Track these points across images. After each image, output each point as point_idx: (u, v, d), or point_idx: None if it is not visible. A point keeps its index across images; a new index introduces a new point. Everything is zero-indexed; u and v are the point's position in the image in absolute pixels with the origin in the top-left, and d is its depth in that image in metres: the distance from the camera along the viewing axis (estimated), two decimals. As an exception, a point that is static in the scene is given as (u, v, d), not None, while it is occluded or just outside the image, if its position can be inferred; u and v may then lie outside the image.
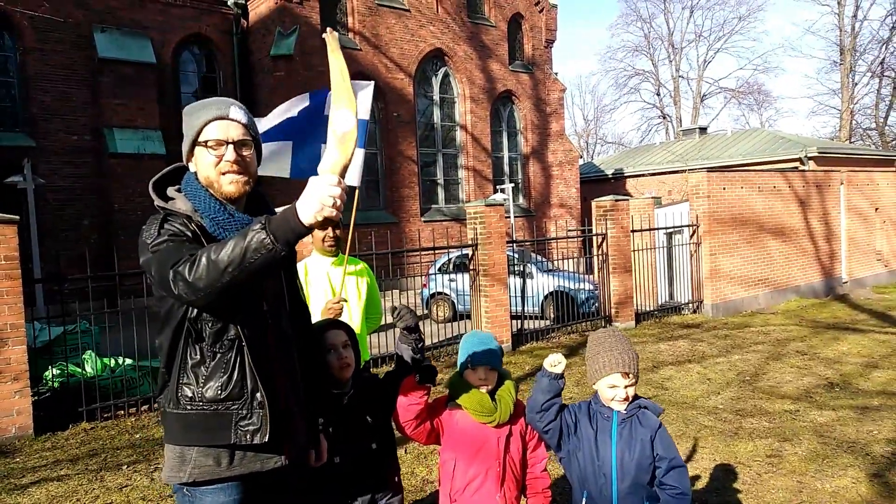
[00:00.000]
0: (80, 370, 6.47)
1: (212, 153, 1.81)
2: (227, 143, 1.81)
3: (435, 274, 11.51)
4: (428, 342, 8.78)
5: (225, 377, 1.75)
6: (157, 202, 1.84)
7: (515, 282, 10.32)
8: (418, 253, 12.39)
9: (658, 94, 43.63)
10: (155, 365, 6.80)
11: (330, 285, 3.26)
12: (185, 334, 1.75)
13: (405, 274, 12.17)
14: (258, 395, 1.76)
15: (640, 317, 10.54)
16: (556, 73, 21.42)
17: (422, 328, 2.31)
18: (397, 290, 12.45)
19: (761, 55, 58.27)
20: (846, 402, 5.91)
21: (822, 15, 65.83)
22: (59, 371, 6.40)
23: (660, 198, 16.91)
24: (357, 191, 3.64)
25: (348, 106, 1.70)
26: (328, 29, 1.88)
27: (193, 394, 1.75)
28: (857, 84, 34.08)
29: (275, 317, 1.87)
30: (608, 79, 71.16)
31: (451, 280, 11.27)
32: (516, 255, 10.51)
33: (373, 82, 3.99)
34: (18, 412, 5.59)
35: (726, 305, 11.32)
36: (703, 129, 29.65)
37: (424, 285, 12.11)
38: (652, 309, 10.97)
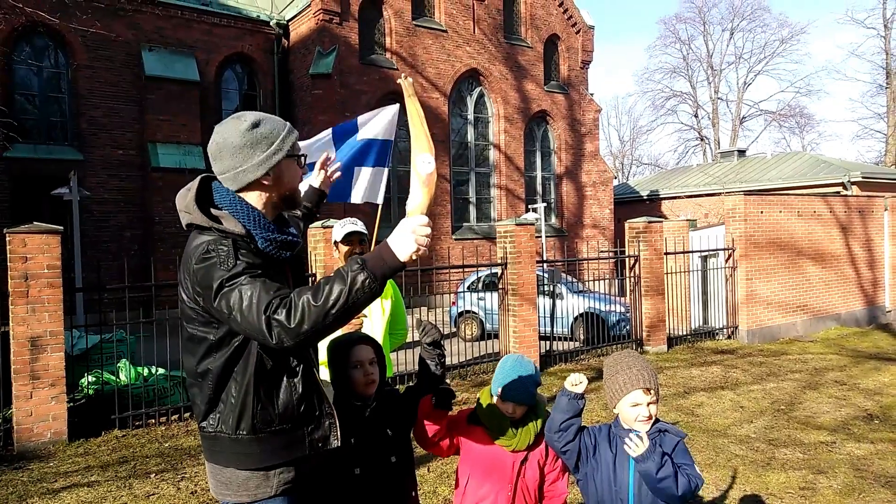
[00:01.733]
0: (114, 378, 6.63)
1: (298, 166, 1.91)
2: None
3: (464, 292, 11.51)
4: (455, 360, 8.76)
5: (298, 395, 1.82)
6: (210, 223, 1.77)
7: (545, 302, 10.25)
8: (447, 271, 12.43)
9: (696, 116, 43.13)
10: (186, 375, 6.93)
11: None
12: (255, 359, 1.76)
13: (434, 291, 12.20)
14: (325, 406, 1.88)
15: (672, 341, 10.35)
16: (591, 94, 21.38)
17: (444, 345, 2.32)
18: (426, 308, 12.49)
19: (803, 78, 57.22)
20: (885, 436, 5.69)
21: (868, 38, 64.41)
22: (94, 378, 6.58)
23: (695, 220, 16.64)
24: (379, 208, 3.73)
25: (428, 150, 1.83)
26: (403, 75, 2.01)
27: (272, 417, 1.79)
28: (903, 108, 33.10)
29: None
30: (645, 100, 70.68)
31: (479, 298, 11.24)
32: (546, 275, 10.45)
33: (397, 105, 4.07)
34: (54, 417, 5.75)
35: (762, 332, 11.04)
36: (741, 152, 29.16)
37: (453, 303, 12.11)
38: (685, 333, 10.76)
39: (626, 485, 2.23)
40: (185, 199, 1.84)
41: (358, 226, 3.32)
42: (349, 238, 3.32)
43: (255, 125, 1.81)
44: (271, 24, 17.13)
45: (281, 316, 1.57)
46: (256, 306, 1.60)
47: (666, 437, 2.23)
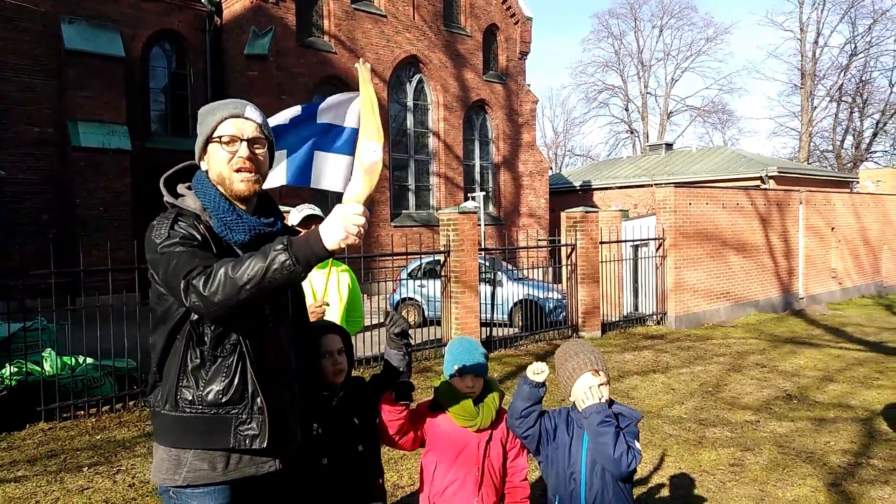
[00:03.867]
0: (38, 369, 6.28)
1: (225, 149, 1.82)
2: (241, 140, 1.82)
3: (405, 279, 11.50)
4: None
5: (226, 381, 1.73)
6: (167, 198, 1.83)
7: (485, 289, 10.39)
8: (391, 258, 12.39)
9: (626, 110, 44.54)
10: (118, 365, 6.64)
11: (312, 289, 3.25)
12: (186, 336, 1.74)
13: (375, 278, 12.13)
14: (258, 400, 1.75)
15: (605, 327, 10.71)
16: (529, 85, 21.68)
17: (411, 335, 2.33)
18: (366, 295, 12.42)
19: (726, 76, 60.16)
20: (804, 414, 6.11)
21: (785, 40, 68.14)
22: (17, 369, 6.20)
23: (627, 211, 17.21)
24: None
25: (376, 139, 1.75)
26: (360, 60, 1.94)
27: (193, 397, 1.73)
28: (816, 108, 35.33)
29: (276, 322, 1.87)
30: (578, 92, 72.37)
31: (420, 286, 11.28)
32: (487, 263, 10.58)
33: (357, 93, 3.99)
34: (-27, 411, 5.40)
35: (689, 317, 11.58)
36: (669, 146, 30.36)
37: (394, 290, 12.09)
38: (617, 319, 11.16)
39: (579, 465, 2.32)
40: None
41: (316, 210, 3.27)
42: (307, 222, 3.26)
43: (204, 111, 1.88)
44: (203, 1, 16.44)
45: (199, 282, 1.58)
46: (178, 271, 1.62)
47: (621, 420, 2.32)
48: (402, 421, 2.24)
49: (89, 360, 6.59)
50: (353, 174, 1.73)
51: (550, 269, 12.12)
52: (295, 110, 3.67)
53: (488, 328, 9.65)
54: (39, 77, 14.24)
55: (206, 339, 1.74)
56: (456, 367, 2.36)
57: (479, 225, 16.87)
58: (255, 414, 1.75)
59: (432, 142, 19.08)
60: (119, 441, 5.42)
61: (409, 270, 11.81)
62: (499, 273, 11.14)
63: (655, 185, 12.33)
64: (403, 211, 18.40)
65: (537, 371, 2.33)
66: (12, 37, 13.86)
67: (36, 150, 14.19)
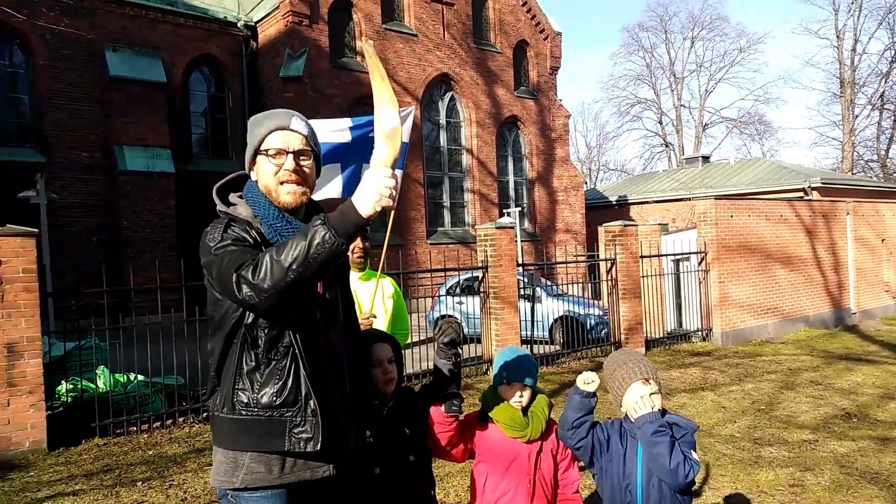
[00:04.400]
0: (92, 386, 6.42)
1: (272, 162, 1.84)
2: (288, 152, 1.84)
3: (443, 296, 11.49)
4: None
5: (280, 384, 1.75)
6: (220, 207, 1.87)
7: (524, 306, 10.31)
8: (429, 275, 12.41)
9: (660, 123, 44.10)
10: (168, 382, 6.75)
11: (357, 301, 3.26)
12: (241, 340, 1.76)
13: (412, 296, 12.16)
14: (311, 402, 1.76)
15: (649, 343, 10.51)
16: (560, 100, 21.66)
17: (461, 345, 2.31)
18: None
19: (762, 86, 59.28)
20: (865, 433, 5.87)
21: (822, 48, 66.91)
22: (72, 386, 6.36)
23: (666, 224, 16.97)
24: (393, 211, 3.69)
25: (391, 105, 1.76)
26: (364, 38, 1.96)
27: (249, 399, 1.75)
28: (857, 116, 34.48)
29: (327, 326, 1.88)
30: (611, 106, 72.01)
31: (459, 303, 11.25)
32: (525, 279, 10.51)
33: (413, 107, 4.06)
34: (32, 426, 5.54)
35: (736, 334, 11.30)
36: (705, 158, 29.91)
37: (432, 307, 12.08)
38: (661, 336, 10.95)
39: (634, 476, 2.28)
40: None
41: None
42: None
43: (253, 122, 1.91)
44: (238, 25, 16.89)
45: (248, 272, 1.60)
46: (230, 266, 1.65)
47: (675, 430, 2.27)
48: (451, 433, 2.22)
49: (140, 378, 6.73)
50: (375, 142, 1.74)
51: (590, 285, 11.99)
52: (345, 122, 3.72)
53: (528, 345, 9.56)
54: (86, 104, 14.74)
55: (260, 342, 1.75)
56: (505, 376, 2.34)
57: (516, 241, 16.85)
58: (309, 417, 1.76)
59: (466, 159, 19.15)
60: (170, 456, 5.49)
61: (448, 287, 11.80)
62: (538, 289, 11.05)
63: (694, 198, 12.13)
64: (439, 228, 18.45)
65: (587, 381, 2.30)
66: (60, 65, 14.40)
67: (85, 174, 14.65)
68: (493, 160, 19.47)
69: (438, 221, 18.62)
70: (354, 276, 3.38)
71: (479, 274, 8.82)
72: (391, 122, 1.73)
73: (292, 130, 1.87)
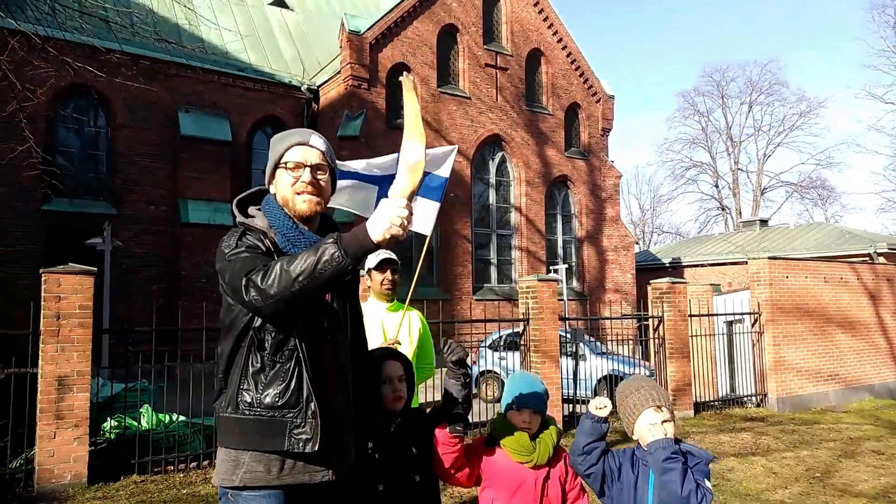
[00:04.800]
0: (135, 423, 6.61)
1: (290, 174, 1.97)
2: (305, 166, 1.96)
3: (484, 348, 11.40)
4: (476, 419, 8.59)
5: (283, 385, 1.81)
6: (239, 218, 2.00)
7: (567, 363, 10.11)
8: (469, 330, 12.37)
9: (717, 186, 43.39)
10: (207, 423, 6.88)
11: (383, 330, 3.32)
12: (248, 343, 1.84)
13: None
14: (312, 405, 1.81)
15: (698, 407, 10.08)
16: (612, 161, 21.70)
17: (470, 365, 2.33)
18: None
19: (823, 150, 57.72)
20: (930, 506, 5.42)
21: (887, 112, 65.12)
22: (116, 423, 6.56)
23: (719, 285, 16.49)
24: (427, 239, 3.80)
25: (419, 140, 1.85)
26: (405, 73, 2.07)
27: (252, 399, 1.82)
28: (927, 180, 33.04)
29: (334, 335, 1.95)
30: (665, 169, 71.45)
31: (501, 358, 11.13)
32: (569, 335, 10.35)
33: (456, 146, 4.22)
34: (75, 459, 5.72)
35: (793, 400, 10.71)
36: (763, 222, 29.16)
37: (474, 362, 11.98)
38: (711, 399, 10.49)
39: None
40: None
41: (391, 255, 3.39)
42: (383, 266, 3.38)
43: (275, 140, 2.05)
44: (302, 89, 17.85)
45: (257, 278, 1.69)
46: (241, 270, 1.75)
47: (688, 458, 2.20)
48: (455, 453, 2.22)
49: (181, 418, 6.89)
50: (397, 173, 1.82)
51: (639, 346, 11.68)
52: (389, 157, 3.90)
53: (571, 404, 9.31)
54: (157, 160, 15.71)
55: (266, 344, 1.83)
56: (514, 402, 2.33)
57: (562, 299, 16.64)
58: (309, 418, 1.81)
59: (514, 216, 19.29)
60: (203, 496, 5.55)
61: (489, 342, 11.71)
62: (581, 346, 10.84)
63: (750, 258, 11.79)
64: (485, 285, 18.46)
65: (600, 406, 2.28)
66: (136, 125, 15.49)
67: (151, 226, 15.48)
68: (541, 218, 19.53)
69: (485, 278, 18.65)
70: (382, 307, 3.45)
71: (521, 327, 8.75)
72: (415, 157, 1.82)
73: (311, 146, 2.00)
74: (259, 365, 1.83)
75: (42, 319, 5.72)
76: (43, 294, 5.75)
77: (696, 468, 2.18)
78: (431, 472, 2.27)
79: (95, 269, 6.10)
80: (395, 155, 3.95)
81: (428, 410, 2.38)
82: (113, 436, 6.44)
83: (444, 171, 3.81)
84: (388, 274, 3.40)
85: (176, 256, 15.10)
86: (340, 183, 3.39)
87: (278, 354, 1.83)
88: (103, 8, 8.24)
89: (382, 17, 16.99)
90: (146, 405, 6.94)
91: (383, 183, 3.85)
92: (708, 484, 2.17)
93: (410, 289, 3.48)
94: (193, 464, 6.43)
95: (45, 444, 5.61)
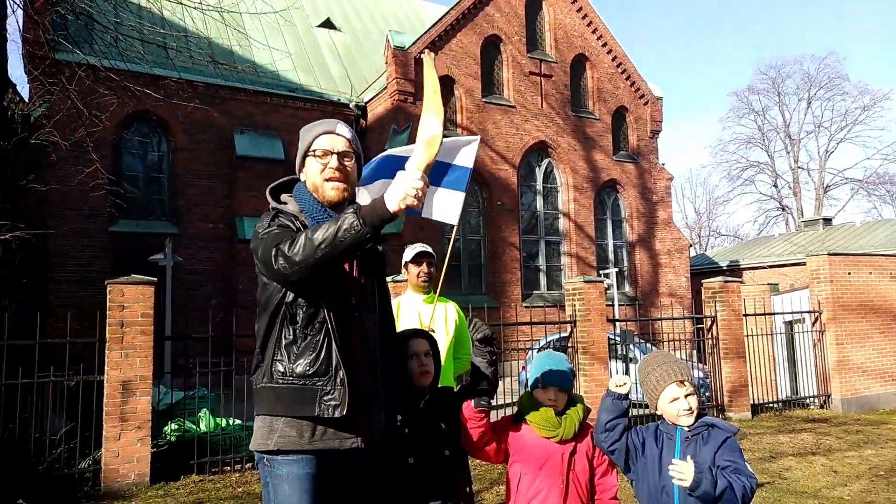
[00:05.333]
0: (194, 427, 6.93)
1: (318, 161, 2.10)
2: (333, 153, 2.10)
3: (533, 355, 11.36)
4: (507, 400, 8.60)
5: (313, 355, 1.94)
6: (272, 203, 2.14)
7: (617, 366, 9.98)
8: (516, 336, 12.36)
9: (776, 186, 41.91)
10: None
11: (420, 322, 3.43)
12: (282, 317, 1.98)
13: (504, 359, 12.10)
14: (340, 373, 1.93)
15: (757, 409, 9.77)
16: (663, 164, 21.32)
17: (495, 344, 2.41)
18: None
19: (890, 144, 54.83)
20: None
21: (962, 102, 61.43)
22: (176, 426, 6.90)
23: (777, 284, 15.92)
24: (454, 230, 3.88)
25: (437, 115, 1.97)
26: (426, 51, 2.19)
27: (285, 369, 1.95)
28: None
29: (361, 311, 2.07)
30: (720, 171, 69.43)
31: (551, 363, 11.06)
32: (618, 338, 10.21)
33: (478, 137, 4.31)
34: (139, 459, 6.04)
35: (859, 401, 10.24)
36: (827, 220, 28.01)
37: (522, 368, 11.95)
38: (772, 401, 10.14)
39: (671, 478, 2.21)
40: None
41: (427, 248, 3.51)
42: (419, 259, 3.50)
43: (304, 130, 2.18)
44: (351, 106, 18.31)
45: (284, 246, 1.83)
46: (271, 242, 1.89)
47: (713, 431, 2.21)
48: (482, 428, 2.29)
49: (237, 422, 7.18)
50: (415, 146, 1.92)
51: (692, 348, 11.40)
52: (409, 148, 4.00)
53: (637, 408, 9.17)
54: (214, 180, 16.40)
55: (298, 318, 1.97)
56: (540, 379, 2.39)
57: (612, 304, 16.39)
58: (338, 386, 1.93)
59: (563, 223, 19.16)
60: (257, 494, 5.76)
61: (538, 348, 11.66)
62: (632, 348, 10.68)
63: (808, 256, 11.39)
64: (535, 291, 18.38)
65: (619, 383, 2.32)
66: (194, 147, 16.24)
67: (210, 243, 16.15)
68: (590, 223, 19.34)
69: (534, 285, 18.56)
70: (419, 299, 3.57)
71: (568, 329, 8.72)
72: (432, 131, 1.93)
73: (338, 134, 2.13)
74: (291, 337, 1.97)
75: (107, 328, 6.09)
76: (108, 304, 6.13)
77: (724, 448, 2.18)
78: (461, 446, 2.35)
79: (156, 279, 6.45)
80: (409, 147, 4.07)
81: (456, 388, 2.47)
82: (174, 438, 6.77)
83: (468, 162, 3.90)
84: (423, 267, 3.52)
85: (233, 272, 15.68)
86: (365, 189, 3.50)
87: (309, 327, 1.97)
88: (162, 35, 8.75)
89: (426, 32, 17.29)
90: (204, 410, 7.26)
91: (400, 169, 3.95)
92: (748, 468, 2.16)
93: (440, 279, 3.57)
94: (249, 464, 6.68)
95: (111, 446, 5.96)
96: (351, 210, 1.80)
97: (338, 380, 1.93)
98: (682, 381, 2.26)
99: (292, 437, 1.93)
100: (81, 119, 8.25)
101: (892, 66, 60.51)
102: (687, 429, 2.24)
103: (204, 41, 13.75)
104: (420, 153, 1.87)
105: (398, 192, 1.77)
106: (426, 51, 2.20)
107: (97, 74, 8.20)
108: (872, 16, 63.03)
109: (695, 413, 2.25)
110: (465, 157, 3.88)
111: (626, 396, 2.33)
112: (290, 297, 1.97)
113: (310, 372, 1.93)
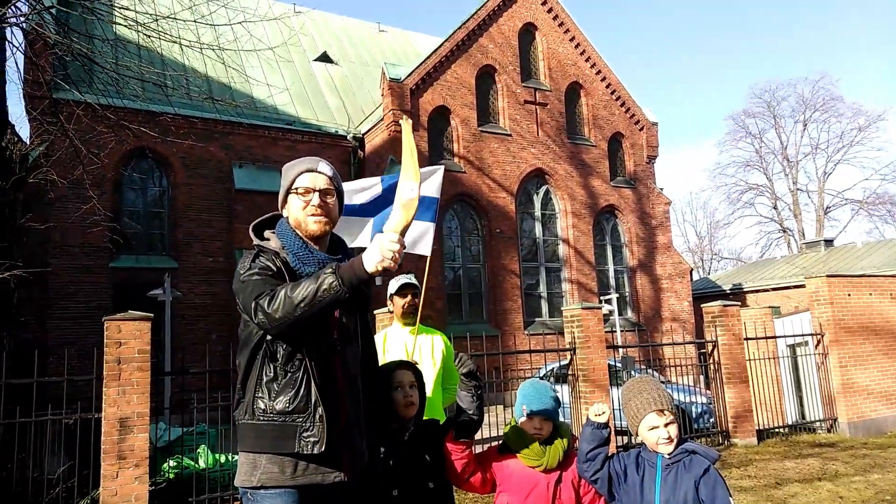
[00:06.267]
0: (193, 464, 6.86)
1: (301, 199, 2.15)
2: (315, 190, 2.14)
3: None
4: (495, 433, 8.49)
5: (293, 392, 1.97)
6: (255, 241, 2.20)
7: (619, 394, 9.89)
8: (516, 364, 12.28)
9: (775, 208, 42.01)
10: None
11: (406, 353, 3.42)
12: (262, 354, 2.01)
13: (507, 388, 12.02)
14: (319, 410, 1.96)
15: (763, 434, 9.65)
16: (660, 189, 21.43)
17: (481, 379, 2.41)
18: (501, 406, 12.25)
19: (888, 164, 55.09)
20: None
21: (956, 121, 61.94)
22: (175, 463, 6.83)
23: (778, 307, 15.87)
24: (428, 259, 3.96)
25: (414, 178, 2.06)
26: (404, 117, 2.28)
27: (266, 406, 1.98)
28: None
29: (344, 346, 2.10)
30: (719, 194, 69.59)
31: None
32: (619, 365, 10.15)
33: (442, 167, 4.42)
34: (137, 498, 5.96)
35: (867, 424, 10.12)
36: (828, 242, 28.04)
37: (526, 397, 11.85)
38: (777, 426, 10.03)
39: None
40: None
41: (412, 279, 3.52)
42: (403, 290, 3.50)
43: (286, 168, 2.23)
44: (348, 138, 18.51)
45: (264, 302, 1.88)
46: (251, 294, 1.94)
47: (695, 458, 2.20)
48: (465, 459, 2.28)
49: (236, 457, 7.10)
50: (393, 209, 1.99)
51: (697, 373, 11.31)
52: (374, 180, 4.10)
53: (625, 436, 9.08)
54: (214, 214, 16.52)
55: (278, 355, 2.00)
56: (525, 409, 2.39)
57: (614, 330, 16.33)
58: (317, 422, 1.94)
59: (562, 249, 19.19)
60: (255, 532, 5.67)
61: (540, 376, 11.58)
62: (633, 374, 10.59)
63: (807, 278, 11.37)
64: (536, 319, 18.32)
65: (598, 412, 2.32)
66: (193, 182, 16.39)
67: (209, 276, 16.19)
68: (590, 249, 19.36)
69: (536, 312, 18.51)
70: (405, 332, 3.57)
71: (567, 357, 8.67)
72: (409, 195, 2.01)
73: (319, 172, 2.19)
74: (272, 374, 2.00)
75: (105, 364, 6.07)
76: (105, 340, 6.12)
77: (704, 479, 2.17)
78: (445, 479, 2.34)
79: (152, 314, 6.45)
80: (378, 178, 4.18)
81: (442, 422, 2.46)
82: (172, 475, 6.70)
83: (434, 192, 4.01)
84: (409, 298, 3.53)
85: (233, 305, 15.49)
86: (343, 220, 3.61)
87: (289, 364, 1.99)
88: (160, 74, 8.88)
89: (421, 64, 17.55)
90: (203, 446, 7.20)
91: (378, 216, 4.04)
92: (720, 494, 2.16)
93: (419, 309, 3.58)
94: (247, 501, 6.58)
95: (109, 484, 5.88)
96: (330, 269, 1.86)
97: (317, 416, 1.95)
98: (661, 411, 2.26)
99: (275, 473, 1.96)
100: (80, 157, 8.34)
101: (886, 86, 61.17)
102: (668, 456, 2.24)
103: (202, 78, 13.99)
104: (398, 216, 1.94)
105: (376, 255, 1.83)
106: (404, 116, 2.29)
107: (96, 113, 8.30)
108: (863, 37, 63.96)
109: (674, 441, 2.26)
110: (432, 188, 3.98)
111: (606, 425, 2.34)
112: (269, 336, 2.00)
113: (289, 409, 1.96)
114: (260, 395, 1.99)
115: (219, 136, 16.64)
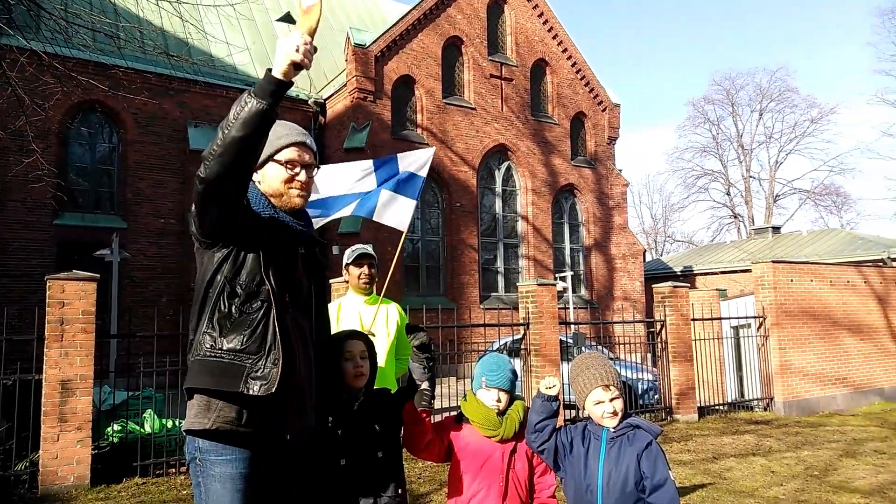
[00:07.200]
0: (138, 428, 6.73)
1: (286, 170, 2.08)
2: (303, 165, 2.09)
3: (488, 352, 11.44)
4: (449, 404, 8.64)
5: (248, 332, 1.88)
6: None
7: (569, 369, 10.11)
8: (471, 337, 12.42)
9: (728, 194, 43.17)
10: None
11: (360, 323, 3.41)
12: (219, 290, 1.91)
13: (459, 361, 12.14)
14: (275, 353, 1.87)
15: (704, 411, 10.03)
16: (620, 170, 21.72)
17: (434, 348, 2.42)
18: (454, 377, 12.39)
19: (836, 157, 57.03)
20: (928, 503, 5.38)
21: (901, 118, 64.46)
22: (119, 427, 6.69)
23: (725, 290, 16.40)
24: (403, 235, 3.96)
25: None
26: None
27: (213, 342, 1.88)
28: (942, 185, 32.66)
29: (295, 307, 2.03)
30: (676, 178, 71.14)
31: (505, 364, 11.14)
32: (570, 340, 10.36)
33: (433, 148, 4.41)
34: (78, 461, 5.84)
35: (800, 404, 10.63)
36: (776, 229, 29.02)
37: (479, 369, 12.01)
38: (718, 404, 10.43)
39: (595, 477, 2.30)
40: None
41: (367, 249, 3.49)
42: (360, 260, 3.47)
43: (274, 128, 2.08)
44: (309, 102, 18.11)
45: (206, 154, 1.81)
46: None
47: (638, 433, 2.28)
48: (424, 429, 2.30)
49: (181, 422, 7.00)
50: (298, 20, 1.88)
51: (645, 351, 11.64)
52: (367, 163, 4.07)
53: (574, 410, 9.31)
54: (167, 174, 16.02)
55: (237, 293, 1.91)
56: (484, 381, 2.41)
57: (567, 308, 16.63)
58: (269, 365, 1.85)
59: (521, 226, 19.35)
60: (201, 497, 5.63)
61: (493, 350, 11.73)
62: (584, 350, 10.84)
63: (753, 263, 11.76)
64: (493, 294, 18.50)
65: (549, 385, 2.37)
66: (147, 140, 15.82)
67: (159, 238, 15.75)
68: (548, 227, 19.57)
69: (493, 287, 18.69)
70: (360, 300, 3.55)
71: (521, 332, 8.79)
72: (309, 2, 1.85)
73: (307, 147, 2.12)
74: (225, 311, 1.90)
75: (46, 325, 5.87)
76: (48, 300, 5.91)
77: (646, 453, 2.24)
78: (395, 448, 2.35)
79: (98, 275, 6.25)
80: (370, 161, 4.14)
81: (392, 392, 2.47)
82: (116, 440, 6.56)
83: (423, 172, 4.01)
84: (364, 269, 3.50)
85: (184, 268, 15.31)
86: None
87: (246, 305, 1.90)
88: (113, 24, 8.47)
89: (387, 31, 17.23)
90: (149, 410, 7.06)
91: (363, 195, 4.01)
92: (661, 468, 2.22)
93: (386, 282, 3.57)
94: (194, 466, 6.51)
95: (49, 447, 5.74)
96: (246, 94, 1.79)
97: (269, 359, 1.86)
98: (607, 386, 2.32)
99: (231, 417, 1.85)
100: (23, 107, 7.93)
101: (841, 80, 63.08)
102: (612, 430, 2.31)
103: (157, 32, 13.41)
104: (301, 23, 1.84)
105: (280, 57, 1.76)
106: None
107: (42, 61, 7.88)
108: (820, 30, 65.62)
109: (619, 415, 2.32)
110: (422, 168, 3.99)
111: (556, 398, 2.39)
112: (230, 272, 1.91)
113: (239, 348, 1.86)
114: (209, 330, 1.89)
115: (174, 93, 16.08)
